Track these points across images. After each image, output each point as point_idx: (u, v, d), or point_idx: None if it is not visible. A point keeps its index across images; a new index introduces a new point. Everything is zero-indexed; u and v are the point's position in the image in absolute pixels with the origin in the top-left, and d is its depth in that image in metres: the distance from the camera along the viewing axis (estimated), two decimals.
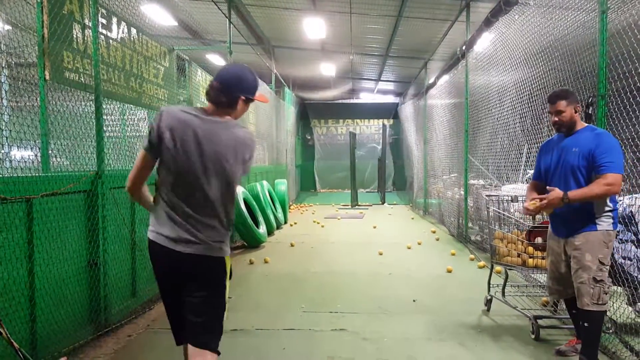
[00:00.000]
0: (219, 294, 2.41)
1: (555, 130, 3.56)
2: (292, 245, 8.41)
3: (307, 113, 21.03)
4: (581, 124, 3.47)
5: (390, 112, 20.33)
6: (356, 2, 9.26)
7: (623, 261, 3.76)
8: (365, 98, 21.10)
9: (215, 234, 2.36)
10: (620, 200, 3.36)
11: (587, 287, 3.24)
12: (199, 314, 2.34)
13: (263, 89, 10.28)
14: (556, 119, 3.44)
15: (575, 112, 3.42)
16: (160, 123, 2.31)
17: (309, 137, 21.24)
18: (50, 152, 3.77)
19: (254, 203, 8.77)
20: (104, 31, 4.45)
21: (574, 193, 3.23)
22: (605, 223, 3.28)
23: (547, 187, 3.52)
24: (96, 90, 4.23)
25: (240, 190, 8.24)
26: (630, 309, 4.04)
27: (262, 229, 8.54)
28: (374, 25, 10.97)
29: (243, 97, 2.42)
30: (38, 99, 3.70)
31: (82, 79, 4.18)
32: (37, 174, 3.49)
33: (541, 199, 3.36)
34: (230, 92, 2.38)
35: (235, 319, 4.42)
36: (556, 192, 3.26)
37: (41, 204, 3.40)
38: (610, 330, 3.86)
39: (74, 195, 3.83)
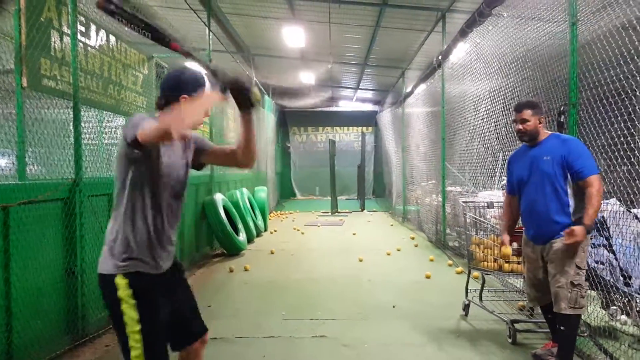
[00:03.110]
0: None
1: (519, 138, 3.69)
2: (272, 252, 8.41)
3: (287, 121, 21.08)
4: (545, 133, 3.57)
5: (369, 120, 20.48)
6: (335, 12, 9.35)
7: (596, 265, 3.86)
8: (344, 106, 21.22)
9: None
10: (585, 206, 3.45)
11: (565, 291, 3.30)
12: None
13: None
14: (520, 127, 3.55)
15: (540, 122, 3.53)
16: None
17: (289, 145, 21.27)
18: (27, 159, 3.73)
19: (234, 210, 8.74)
20: (82, 38, 4.42)
21: (588, 218, 3.25)
22: None
23: (522, 199, 3.63)
24: (74, 97, 4.19)
25: (219, 198, 8.22)
26: (604, 312, 4.15)
27: (242, 237, 8.51)
28: (352, 34, 11.09)
29: (185, 96, 2.22)
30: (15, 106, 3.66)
31: (60, 86, 4.14)
32: (14, 182, 3.45)
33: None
34: (166, 95, 2.24)
35: (215, 327, 4.39)
36: (579, 230, 3.21)
37: (18, 212, 3.36)
38: (585, 334, 3.94)
39: (51, 203, 3.78)
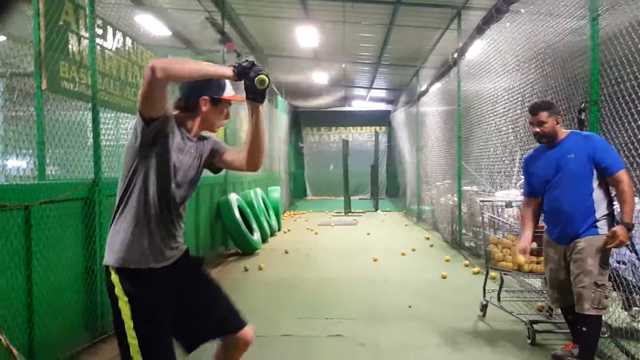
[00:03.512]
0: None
1: (537, 140, 3.62)
2: (286, 252, 8.42)
3: (300, 121, 21.11)
4: (563, 132, 3.52)
5: (383, 119, 20.44)
6: (349, 11, 9.34)
7: (618, 265, 3.81)
8: (357, 106, 21.20)
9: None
10: (615, 205, 3.40)
11: (589, 291, 3.24)
12: None
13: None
14: (538, 129, 3.49)
15: (557, 123, 3.48)
16: None
17: (302, 145, 21.31)
18: (47, 160, 3.78)
19: (248, 210, 8.77)
20: (100, 41, 4.47)
21: (627, 216, 3.20)
22: (605, 227, 3.31)
23: (546, 199, 3.56)
24: (93, 99, 4.25)
25: (234, 198, 8.26)
26: (625, 313, 4.09)
27: (257, 236, 8.54)
28: (366, 34, 11.07)
29: (206, 98, 2.21)
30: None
31: (79, 89, 4.19)
32: (35, 182, 3.49)
33: (616, 238, 3.22)
34: (188, 94, 2.22)
35: None
36: (620, 230, 3.17)
37: (39, 212, 3.40)
38: (606, 335, 3.89)
39: (71, 202, 3.83)
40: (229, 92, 2.28)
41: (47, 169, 3.81)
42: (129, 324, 2.05)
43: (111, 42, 4.74)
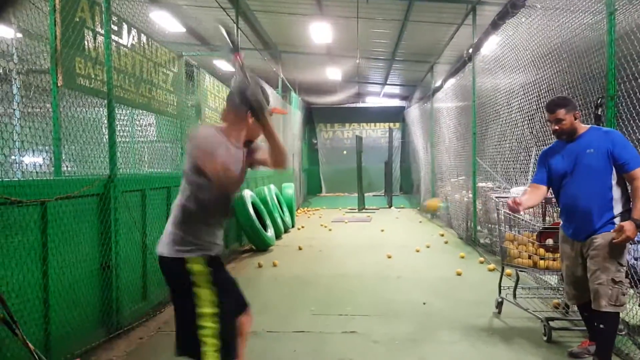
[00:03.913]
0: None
1: (556, 137, 3.57)
2: (300, 248, 8.43)
3: (313, 117, 21.11)
4: (583, 127, 3.46)
5: (397, 115, 20.36)
6: (363, 7, 9.30)
7: (635, 262, 3.76)
8: (371, 102, 21.14)
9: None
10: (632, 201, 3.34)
11: (606, 288, 3.21)
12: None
13: (273, 98, 10.37)
14: (556, 127, 3.45)
15: (575, 118, 3.42)
16: None
17: (315, 142, 21.31)
18: (63, 156, 3.82)
19: (262, 207, 8.80)
20: (115, 38, 4.50)
21: (637, 212, 3.16)
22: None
23: (562, 194, 3.50)
24: (108, 95, 4.28)
25: (248, 194, 8.29)
26: None
27: (270, 233, 8.57)
28: (380, 29, 11.02)
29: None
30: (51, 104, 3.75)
31: (94, 85, 4.23)
32: (51, 178, 3.53)
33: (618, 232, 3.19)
34: (237, 108, 2.44)
35: None
36: (628, 225, 3.14)
37: (55, 207, 3.44)
38: (623, 332, 3.84)
39: (87, 198, 3.87)
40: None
41: (62, 165, 3.85)
42: (211, 309, 2.35)
43: (126, 38, 4.77)
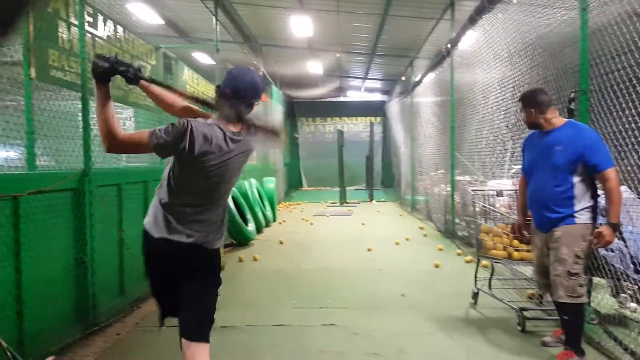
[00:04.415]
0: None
1: (528, 128, 3.69)
2: (281, 242, 8.43)
3: (295, 111, 21.06)
4: (561, 120, 3.51)
5: (378, 110, 20.42)
6: (343, 1, 9.29)
7: (606, 253, 3.83)
8: (352, 96, 21.16)
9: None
10: (602, 194, 3.42)
11: (562, 279, 3.30)
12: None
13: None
14: (523, 119, 3.63)
15: (542, 113, 3.49)
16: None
17: (297, 136, 21.28)
18: (37, 150, 3.75)
19: (243, 201, 8.77)
20: (90, 29, 4.43)
21: (613, 215, 3.23)
22: (584, 217, 3.34)
23: (529, 185, 3.61)
24: (83, 88, 4.21)
25: None
26: (613, 299, 4.13)
27: (251, 227, 8.55)
28: (360, 23, 11.02)
29: (256, 103, 2.53)
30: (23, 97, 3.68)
31: (69, 77, 4.16)
32: (23, 172, 3.47)
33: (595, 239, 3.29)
34: (249, 101, 2.50)
35: (225, 316, 4.43)
36: (606, 230, 3.21)
37: (28, 202, 3.37)
38: (595, 321, 3.93)
39: (61, 193, 3.80)
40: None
41: (37, 160, 3.79)
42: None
43: (102, 30, 4.70)
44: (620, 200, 3.27)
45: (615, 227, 3.23)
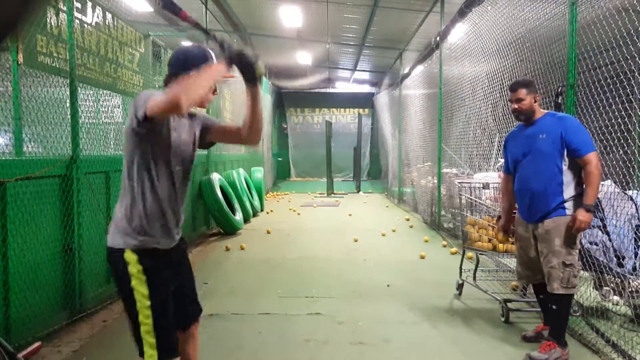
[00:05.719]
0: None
1: (515, 117, 3.69)
2: (268, 232, 8.45)
3: (284, 101, 21.02)
4: (541, 112, 3.57)
5: (366, 101, 20.45)
6: None
7: (590, 246, 3.90)
8: (341, 87, 21.14)
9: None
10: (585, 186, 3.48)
11: (557, 271, 3.33)
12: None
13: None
14: (516, 106, 3.56)
15: (535, 101, 3.53)
16: None
17: (285, 126, 21.25)
18: (25, 137, 3.72)
19: (230, 190, 8.76)
20: (79, 15, 4.38)
21: (588, 198, 3.27)
22: (573, 208, 3.37)
23: (516, 178, 3.65)
24: (71, 74, 4.17)
25: (216, 178, 8.24)
26: (596, 292, 4.21)
27: (238, 216, 8.55)
28: (350, 14, 10.98)
29: (194, 72, 2.10)
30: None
31: (57, 64, 4.12)
32: (11, 158, 3.44)
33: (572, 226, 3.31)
34: (175, 71, 2.18)
35: (212, 304, 4.45)
36: (581, 213, 3.24)
37: (15, 188, 3.36)
38: (577, 314, 4.01)
39: (48, 179, 3.79)
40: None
41: (25, 146, 3.75)
42: (142, 303, 2.09)
43: (90, 16, 4.65)
44: (599, 186, 3.34)
45: (590, 210, 3.27)
